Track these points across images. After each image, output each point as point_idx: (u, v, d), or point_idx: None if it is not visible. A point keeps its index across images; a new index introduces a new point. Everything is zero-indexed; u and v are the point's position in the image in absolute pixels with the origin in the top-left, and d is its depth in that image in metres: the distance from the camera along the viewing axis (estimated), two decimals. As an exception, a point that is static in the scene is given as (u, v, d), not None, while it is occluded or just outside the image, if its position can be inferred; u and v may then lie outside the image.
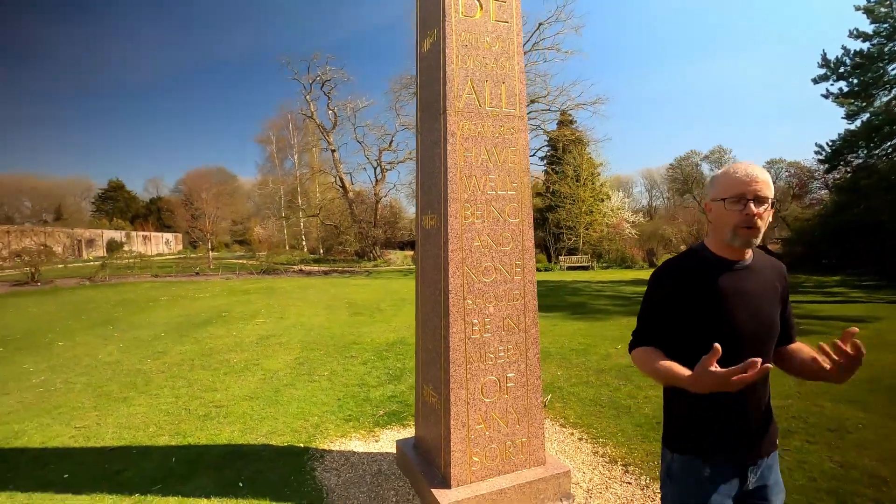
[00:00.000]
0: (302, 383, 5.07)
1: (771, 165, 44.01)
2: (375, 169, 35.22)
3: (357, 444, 3.66)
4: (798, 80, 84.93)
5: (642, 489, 2.94)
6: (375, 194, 35.09)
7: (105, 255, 33.46)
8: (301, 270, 22.42)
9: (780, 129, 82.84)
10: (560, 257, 25.31)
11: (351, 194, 35.18)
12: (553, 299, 11.64)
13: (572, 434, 3.74)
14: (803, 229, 21.44)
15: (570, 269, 23.61)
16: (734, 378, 1.15)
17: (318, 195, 42.43)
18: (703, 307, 1.40)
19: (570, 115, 30.42)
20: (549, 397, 4.49)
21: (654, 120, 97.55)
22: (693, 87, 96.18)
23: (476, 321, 2.76)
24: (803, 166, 36.40)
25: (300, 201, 42.70)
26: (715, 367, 1.17)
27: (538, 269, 23.08)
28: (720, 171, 1.45)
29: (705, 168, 48.72)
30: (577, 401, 4.39)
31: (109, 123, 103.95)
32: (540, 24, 22.03)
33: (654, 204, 58.61)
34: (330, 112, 34.84)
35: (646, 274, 19.10)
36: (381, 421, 4.04)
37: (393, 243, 50.27)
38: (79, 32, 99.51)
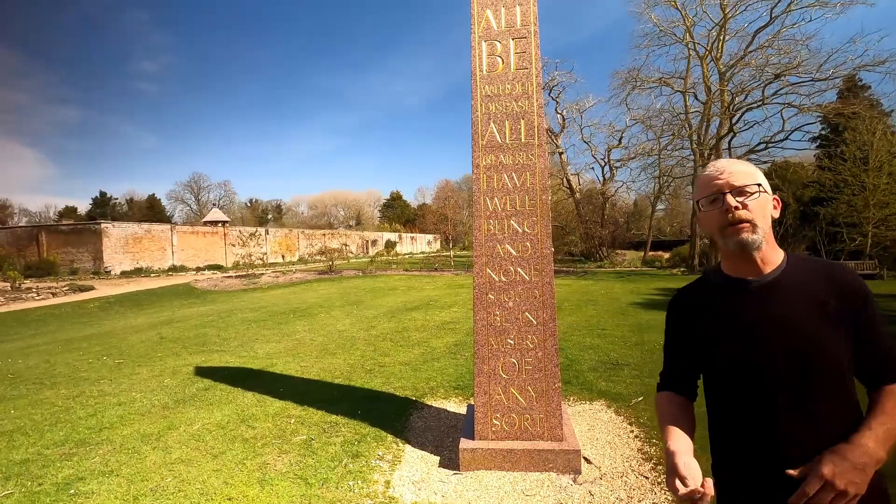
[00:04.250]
0: (446, 359, 6.33)
1: None
2: (603, 168, 34.62)
3: (452, 405, 4.68)
4: None
5: (654, 484, 3.11)
6: (602, 193, 34.39)
7: (383, 252, 42.44)
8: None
9: None
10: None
11: (578, 195, 35.40)
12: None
13: (632, 432, 3.91)
14: None
15: (842, 277, 18.56)
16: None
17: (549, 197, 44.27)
18: (717, 342, 1.21)
19: (859, 80, 23.78)
20: (640, 399, 4.59)
21: None
22: None
23: (498, 312, 3.47)
24: None
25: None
26: (678, 486, 1.05)
27: (793, 277, 19.02)
28: None
29: None
30: (666, 407, 4.37)
31: (389, 144, 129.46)
32: (794, -20, 18.09)
33: None
34: (558, 115, 35.80)
35: (967, 288, 13.78)
36: (478, 393, 4.94)
37: (626, 243, 47.79)
38: (364, 77, 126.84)
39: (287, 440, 3.83)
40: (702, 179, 1.22)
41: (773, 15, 19.09)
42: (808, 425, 1.11)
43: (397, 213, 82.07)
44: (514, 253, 3.45)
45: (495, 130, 3.46)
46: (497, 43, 3.47)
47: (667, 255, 31.13)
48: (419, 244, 66.28)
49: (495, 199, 3.46)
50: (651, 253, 34.63)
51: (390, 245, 54.57)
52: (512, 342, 3.45)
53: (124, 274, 25.17)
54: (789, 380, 1.12)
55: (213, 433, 3.99)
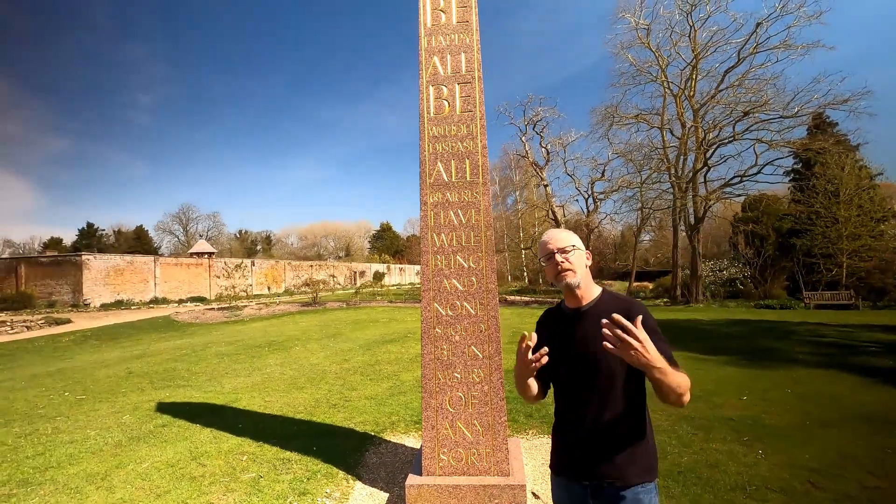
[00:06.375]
0: (413, 392, 6.29)
1: None
2: (587, 200, 35.22)
3: (411, 440, 4.65)
4: None
5: (596, 520, 3.10)
6: (587, 225, 34.87)
7: (368, 283, 42.33)
8: (505, 300, 24.16)
9: None
10: (805, 293, 20.41)
11: (563, 226, 35.87)
12: (739, 342, 10.06)
13: (584, 466, 3.91)
14: None
15: (819, 307, 18.83)
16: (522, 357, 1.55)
17: (535, 228, 44.88)
18: (551, 347, 1.64)
19: (827, 117, 24.80)
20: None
21: None
22: None
23: (445, 346, 3.52)
24: None
25: (521, 236, 45.86)
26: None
27: (772, 307, 19.30)
28: None
29: None
30: (622, 440, 4.38)
31: (381, 175, 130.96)
32: (758, 25, 19.00)
33: None
34: (542, 149, 36.61)
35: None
36: (439, 427, 4.91)
37: (611, 273, 48.16)
38: (356, 109, 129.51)
39: (236, 478, 3.77)
40: (540, 245, 1.75)
41: (741, 56, 20.01)
42: (596, 410, 1.60)
43: (387, 244, 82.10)
44: (460, 287, 3.52)
45: (442, 169, 3.60)
46: (444, 87, 3.65)
47: (651, 286, 31.41)
48: (408, 275, 66.16)
49: (442, 235, 3.57)
50: (636, 283, 34.91)
51: (378, 276, 54.36)
52: (459, 376, 3.48)
53: (104, 306, 24.77)
54: (583, 378, 1.63)
55: (161, 472, 3.91)
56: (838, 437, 4.35)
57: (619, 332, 1.35)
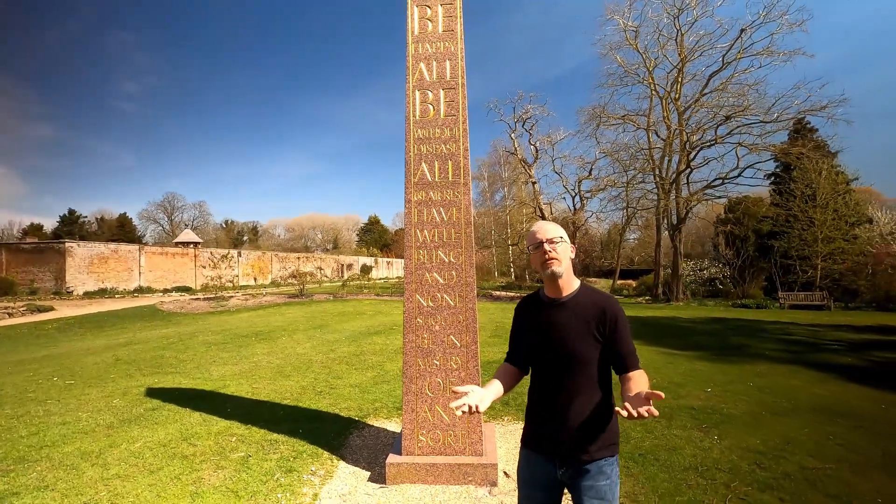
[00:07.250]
0: (396, 382, 6.54)
1: None
2: (574, 198, 35.69)
3: (393, 425, 4.89)
4: None
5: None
6: (573, 222, 35.35)
7: (355, 276, 42.37)
8: (490, 295, 24.50)
9: None
10: (781, 293, 21.06)
11: (550, 224, 36.21)
12: (712, 339, 10.49)
13: (553, 448, 4.20)
14: None
15: (793, 307, 19.48)
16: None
17: (523, 225, 45.37)
18: (527, 334, 1.86)
19: (807, 122, 25.48)
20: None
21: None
22: None
23: (425, 335, 3.77)
24: None
25: (508, 232, 46.32)
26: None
27: (748, 307, 19.91)
28: None
29: None
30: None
31: (370, 169, 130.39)
32: (742, 31, 19.49)
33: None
34: (531, 147, 36.96)
35: (902, 319, 14.69)
36: (420, 413, 5.17)
37: (597, 271, 48.79)
38: (347, 104, 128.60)
39: (225, 457, 3.99)
40: (529, 234, 1.84)
41: (726, 61, 20.50)
42: (568, 393, 1.74)
43: (375, 238, 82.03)
44: (441, 281, 3.77)
45: (426, 170, 3.83)
46: (429, 92, 3.87)
47: (634, 284, 32.02)
48: (395, 269, 66.28)
49: (425, 231, 3.80)
50: (620, 281, 35.55)
51: (366, 269, 54.44)
52: (438, 363, 3.74)
53: (87, 295, 24.56)
54: (550, 366, 1.77)
55: (153, 451, 4.11)
56: (787, 424, 4.71)
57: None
